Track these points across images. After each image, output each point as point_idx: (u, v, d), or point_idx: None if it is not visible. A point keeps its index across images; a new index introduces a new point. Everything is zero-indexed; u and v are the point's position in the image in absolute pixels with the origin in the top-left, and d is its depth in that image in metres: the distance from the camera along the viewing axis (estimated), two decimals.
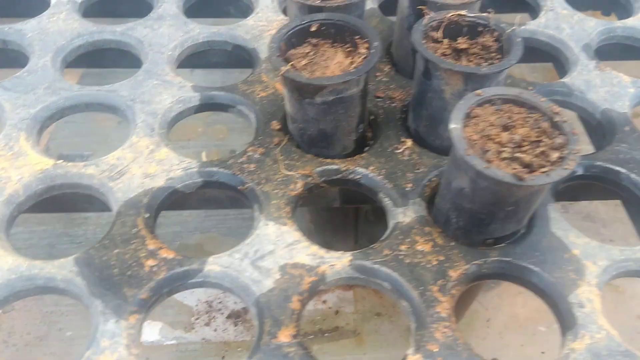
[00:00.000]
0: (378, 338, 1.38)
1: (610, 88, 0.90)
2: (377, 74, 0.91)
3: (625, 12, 1.09)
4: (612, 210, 1.55)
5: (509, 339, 1.40)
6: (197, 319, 1.39)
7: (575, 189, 0.85)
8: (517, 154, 0.63)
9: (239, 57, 0.97)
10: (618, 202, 0.87)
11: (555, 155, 0.62)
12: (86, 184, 0.75)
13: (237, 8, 1.10)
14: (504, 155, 0.63)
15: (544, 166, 0.62)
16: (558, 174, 0.60)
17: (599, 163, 0.80)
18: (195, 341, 1.36)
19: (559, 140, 0.64)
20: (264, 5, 1.02)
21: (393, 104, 0.86)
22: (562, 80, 0.91)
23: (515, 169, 0.61)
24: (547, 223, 0.72)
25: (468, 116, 0.66)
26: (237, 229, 1.49)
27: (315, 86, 0.70)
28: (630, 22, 1.03)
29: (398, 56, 0.92)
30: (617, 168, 0.79)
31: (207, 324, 1.39)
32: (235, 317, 1.40)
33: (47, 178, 0.74)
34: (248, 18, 1.00)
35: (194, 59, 0.97)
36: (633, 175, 0.78)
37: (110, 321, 0.62)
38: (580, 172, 0.80)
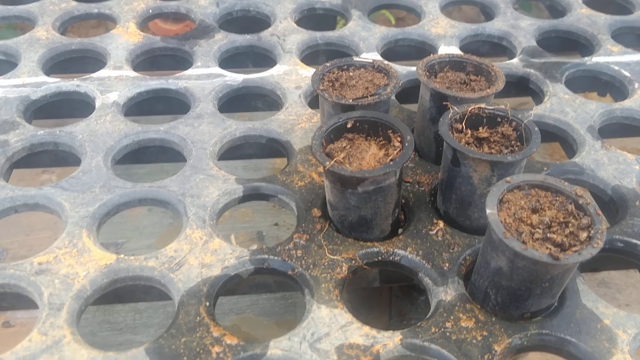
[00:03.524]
0: None
1: (617, 166, 0.98)
2: None
3: (620, 94, 1.20)
4: (624, 275, 1.61)
5: None
6: None
7: (596, 261, 0.91)
8: (549, 235, 0.70)
9: (272, 148, 1.05)
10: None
11: (584, 235, 0.69)
12: (147, 276, 0.80)
13: (265, 103, 1.19)
14: (537, 236, 0.70)
15: (574, 245, 0.69)
16: (589, 252, 0.67)
17: (616, 237, 0.87)
18: None
19: (584, 220, 0.71)
20: (292, 101, 1.11)
21: (421, 188, 0.93)
22: (573, 160, 0.99)
23: (548, 248, 0.68)
24: (577, 295, 0.78)
25: (501, 201, 0.73)
26: (270, 309, 1.53)
27: (358, 178, 0.77)
28: (627, 103, 1.13)
29: (421, 143, 1.00)
30: (634, 241, 0.86)
31: None
32: None
33: (111, 272, 0.80)
34: (279, 113, 1.08)
35: (232, 151, 1.04)
36: None
37: None
38: None
